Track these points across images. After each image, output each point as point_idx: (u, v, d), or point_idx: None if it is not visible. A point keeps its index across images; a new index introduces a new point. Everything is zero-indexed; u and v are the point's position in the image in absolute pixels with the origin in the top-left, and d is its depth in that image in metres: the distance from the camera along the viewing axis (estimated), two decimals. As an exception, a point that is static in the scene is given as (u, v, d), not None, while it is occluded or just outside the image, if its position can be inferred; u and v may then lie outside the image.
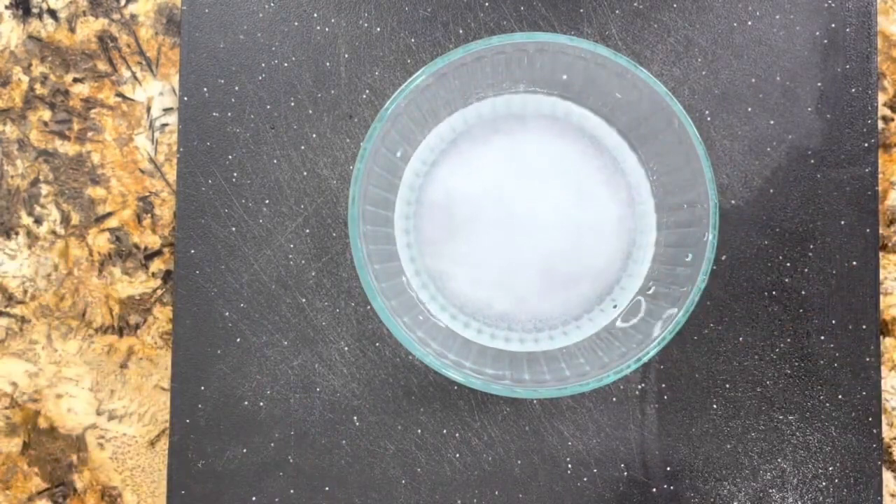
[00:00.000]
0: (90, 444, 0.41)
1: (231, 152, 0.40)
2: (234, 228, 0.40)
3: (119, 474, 0.41)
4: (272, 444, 0.40)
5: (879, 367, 0.39)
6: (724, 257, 0.40)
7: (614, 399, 0.39)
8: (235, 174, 0.40)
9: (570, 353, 0.37)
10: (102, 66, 0.42)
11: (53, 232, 0.41)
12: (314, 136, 0.40)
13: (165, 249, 0.41)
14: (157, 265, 0.41)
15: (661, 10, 0.40)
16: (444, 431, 0.39)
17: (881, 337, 0.40)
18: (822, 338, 0.39)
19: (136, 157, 0.42)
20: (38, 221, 0.42)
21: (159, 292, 0.41)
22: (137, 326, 0.41)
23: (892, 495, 0.41)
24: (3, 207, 0.42)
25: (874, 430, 0.39)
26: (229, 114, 0.40)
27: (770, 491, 0.39)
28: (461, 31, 0.40)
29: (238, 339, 0.40)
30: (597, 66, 0.35)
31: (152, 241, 0.41)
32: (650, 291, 0.37)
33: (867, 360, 0.39)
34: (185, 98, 0.40)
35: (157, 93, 0.42)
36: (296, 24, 0.41)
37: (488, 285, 0.38)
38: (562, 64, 0.36)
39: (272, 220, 0.40)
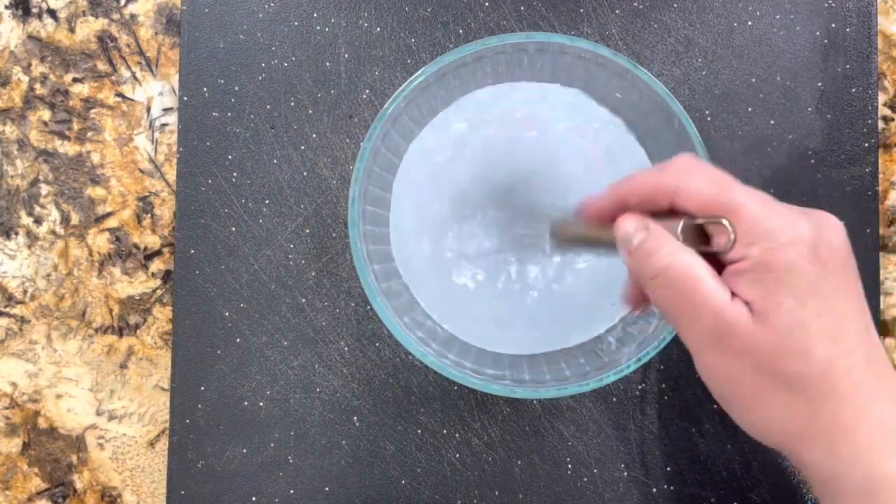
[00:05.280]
0: (90, 445, 0.41)
1: (231, 152, 0.40)
2: (234, 228, 0.40)
3: (119, 474, 0.41)
4: (272, 445, 0.39)
5: (879, 367, 0.39)
6: (724, 257, 0.40)
7: (614, 399, 0.39)
8: (235, 174, 0.40)
9: (570, 353, 0.37)
10: (102, 66, 0.42)
11: (53, 232, 0.41)
12: (314, 136, 0.40)
13: (165, 249, 0.41)
14: (157, 265, 0.41)
15: (661, 10, 0.40)
16: (444, 431, 0.39)
17: (882, 337, 0.40)
18: (822, 338, 0.39)
19: (136, 157, 0.41)
20: (38, 221, 0.41)
21: (159, 292, 0.41)
22: (137, 326, 0.41)
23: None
24: (3, 207, 0.42)
25: (874, 430, 0.39)
26: (229, 114, 0.40)
27: (771, 490, 0.39)
28: (461, 31, 0.40)
29: (238, 339, 0.40)
30: (597, 66, 0.35)
31: (152, 241, 0.41)
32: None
33: (867, 360, 0.39)
34: (185, 98, 0.40)
35: (157, 93, 0.42)
36: (296, 24, 0.41)
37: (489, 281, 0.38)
38: (562, 64, 0.36)
39: (272, 220, 0.40)
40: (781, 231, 0.24)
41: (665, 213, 0.27)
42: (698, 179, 0.26)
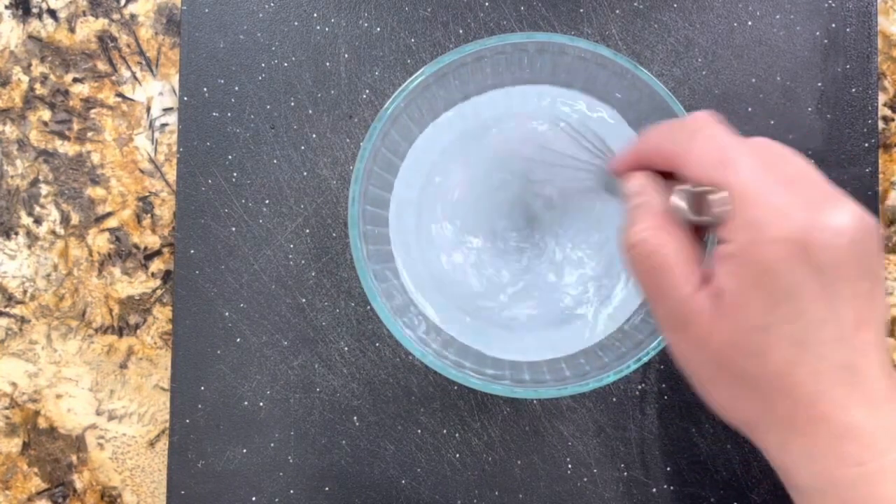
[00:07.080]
0: (90, 445, 0.41)
1: (231, 152, 0.40)
2: (234, 228, 0.40)
3: (119, 474, 0.41)
4: (272, 444, 0.39)
5: (879, 367, 0.39)
6: (724, 257, 0.40)
7: (614, 399, 0.39)
8: (235, 174, 0.40)
9: (570, 354, 0.37)
10: (102, 66, 0.42)
11: (53, 232, 0.41)
12: (314, 136, 0.40)
13: (165, 249, 0.41)
14: (157, 265, 0.41)
15: (661, 10, 0.40)
16: (444, 431, 0.39)
17: (881, 337, 0.40)
18: (822, 338, 0.39)
19: (136, 157, 0.42)
20: (37, 221, 0.42)
21: (159, 292, 0.41)
22: (137, 326, 0.41)
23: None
24: (3, 207, 0.42)
25: (874, 430, 0.39)
26: (229, 114, 0.40)
27: (771, 490, 0.39)
28: (461, 31, 0.40)
29: (238, 339, 0.40)
30: (597, 66, 0.35)
31: (152, 241, 0.41)
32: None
33: (867, 360, 0.39)
34: (185, 98, 0.40)
35: (157, 93, 0.42)
36: (296, 24, 0.41)
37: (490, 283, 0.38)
38: (562, 64, 0.36)
39: (272, 220, 0.40)
40: (770, 225, 0.22)
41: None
42: (701, 145, 0.24)
